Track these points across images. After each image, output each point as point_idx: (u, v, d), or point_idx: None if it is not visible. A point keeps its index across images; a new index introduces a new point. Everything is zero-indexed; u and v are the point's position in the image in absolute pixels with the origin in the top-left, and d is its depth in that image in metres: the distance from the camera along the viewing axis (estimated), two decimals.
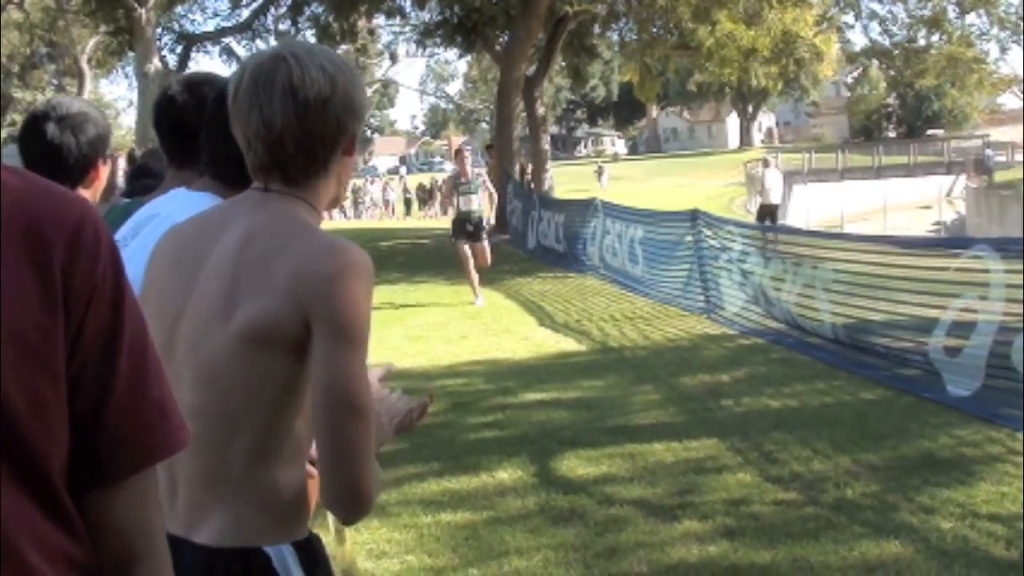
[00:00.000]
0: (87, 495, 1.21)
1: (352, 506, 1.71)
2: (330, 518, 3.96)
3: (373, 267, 1.78)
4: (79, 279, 1.15)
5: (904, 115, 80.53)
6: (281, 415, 1.75)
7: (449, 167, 43.46)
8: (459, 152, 13.91)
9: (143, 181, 3.95)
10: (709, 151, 75.60)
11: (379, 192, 47.21)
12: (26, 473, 1.12)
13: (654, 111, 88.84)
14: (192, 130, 2.41)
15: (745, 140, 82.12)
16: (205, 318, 1.77)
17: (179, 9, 28.56)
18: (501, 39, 25.30)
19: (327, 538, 4.39)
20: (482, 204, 13.40)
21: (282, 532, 1.75)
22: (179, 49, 27.09)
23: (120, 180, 5.96)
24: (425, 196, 45.05)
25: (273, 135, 1.78)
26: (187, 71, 25.46)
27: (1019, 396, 6.44)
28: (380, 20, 29.31)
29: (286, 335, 1.69)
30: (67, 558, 1.16)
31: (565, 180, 34.00)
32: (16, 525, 1.10)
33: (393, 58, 37.15)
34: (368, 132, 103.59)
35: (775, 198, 22.40)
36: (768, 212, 22.00)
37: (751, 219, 24.29)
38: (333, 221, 35.72)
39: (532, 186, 24.14)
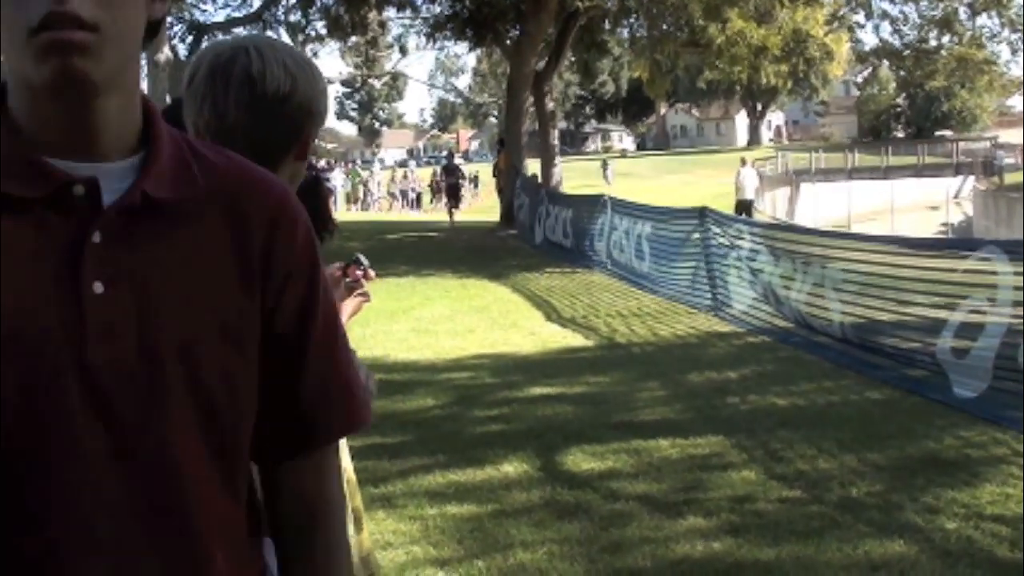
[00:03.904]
0: (274, 466, 1.28)
1: None
2: (349, 509, 3.98)
3: None
4: (277, 260, 1.20)
5: (913, 116, 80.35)
6: None
7: (457, 161, 42.91)
8: None
9: None
10: (717, 149, 75.37)
11: (386, 184, 46.94)
12: (214, 447, 1.18)
13: (663, 108, 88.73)
14: None
15: (754, 138, 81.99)
16: None
17: None
18: (511, 34, 25.29)
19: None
20: None
21: None
22: (190, 39, 27.08)
23: None
24: (438, 188, 44.52)
25: (224, 128, 1.68)
26: None
27: None
28: (390, 13, 29.28)
29: None
30: (232, 528, 1.21)
31: (573, 176, 33.95)
32: (197, 493, 1.16)
33: (403, 51, 37.18)
34: (376, 124, 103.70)
35: (749, 194, 25.22)
36: (744, 207, 24.16)
37: (758, 217, 24.78)
38: (348, 213, 35.76)
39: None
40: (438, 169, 48.55)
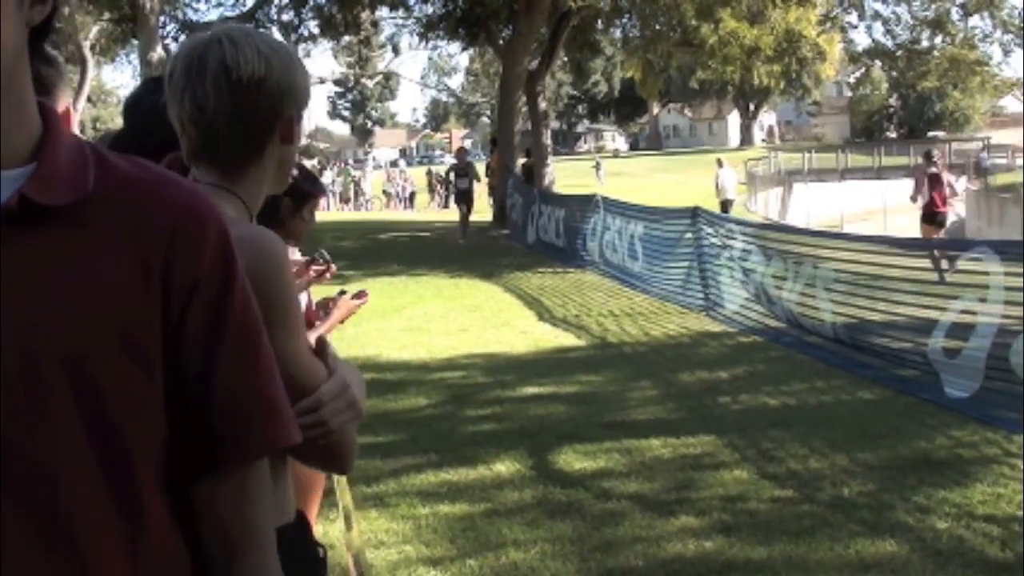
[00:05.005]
0: (193, 486, 1.20)
1: None
2: (340, 507, 3.99)
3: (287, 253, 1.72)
4: (180, 270, 1.15)
5: (905, 116, 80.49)
6: None
7: (449, 160, 42.54)
8: None
9: None
10: (710, 149, 75.31)
11: (378, 183, 46.82)
12: (109, 465, 1.11)
13: (655, 108, 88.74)
14: None
15: (746, 138, 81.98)
16: None
17: None
18: (504, 33, 25.28)
19: (338, 525, 4.41)
20: None
21: None
22: (182, 38, 27.03)
23: None
24: (435, 186, 44.05)
25: (206, 118, 1.72)
26: None
27: (1016, 398, 6.46)
28: (383, 12, 29.25)
29: None
30: (141, 555, 1.14)
31: (565, 176, 33.91)
32: (83, 509, 1.10)
33: (395, 51, 37.14)
34: (369, 124, 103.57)
35: (731, 194, 26.20)
36: (727, 207, 24.89)
37: (751, 217, 24.95)
38: (340, 213, 35.73)
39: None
40: (433, 168, 48.44)
